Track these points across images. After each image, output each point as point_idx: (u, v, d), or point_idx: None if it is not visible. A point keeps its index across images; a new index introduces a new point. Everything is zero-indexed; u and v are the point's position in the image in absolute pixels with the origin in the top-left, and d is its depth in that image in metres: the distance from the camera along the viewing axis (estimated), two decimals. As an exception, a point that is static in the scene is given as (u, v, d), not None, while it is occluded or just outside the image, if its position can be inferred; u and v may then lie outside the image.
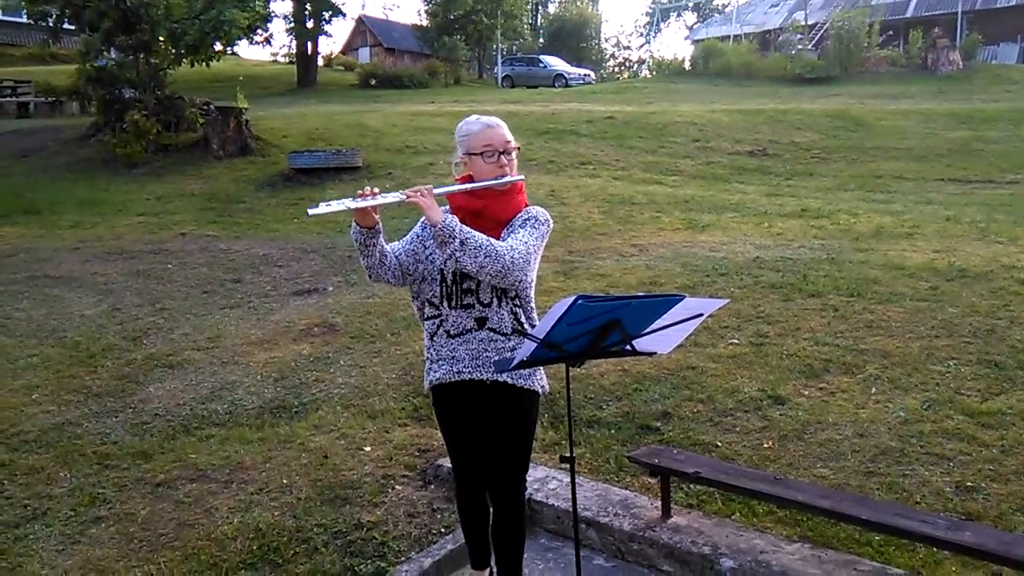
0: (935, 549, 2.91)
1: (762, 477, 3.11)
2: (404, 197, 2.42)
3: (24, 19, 17.30)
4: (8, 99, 21.56)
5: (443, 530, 3.40)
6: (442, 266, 2.62)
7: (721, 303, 2.27)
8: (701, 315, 2.10)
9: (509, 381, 2.59)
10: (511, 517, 2.78)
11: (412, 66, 36.31)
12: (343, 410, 4.70)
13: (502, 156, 2.60)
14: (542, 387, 2.71)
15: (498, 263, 2.40)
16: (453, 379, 2.62)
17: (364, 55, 47.80)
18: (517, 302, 2.59)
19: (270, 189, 12.53)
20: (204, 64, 15.45)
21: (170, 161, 14.34)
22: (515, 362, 2.13)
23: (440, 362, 2.65)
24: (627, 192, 11.29)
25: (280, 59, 39.27)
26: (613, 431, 4.29)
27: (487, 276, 2.44)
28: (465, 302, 2.60)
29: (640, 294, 2.38)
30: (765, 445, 4.00)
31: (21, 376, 5.51)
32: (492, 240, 2.45)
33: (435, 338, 2.67)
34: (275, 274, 8.13)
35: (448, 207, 2.64)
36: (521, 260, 2.47)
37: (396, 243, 2.69)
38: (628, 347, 2.13)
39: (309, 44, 31.79)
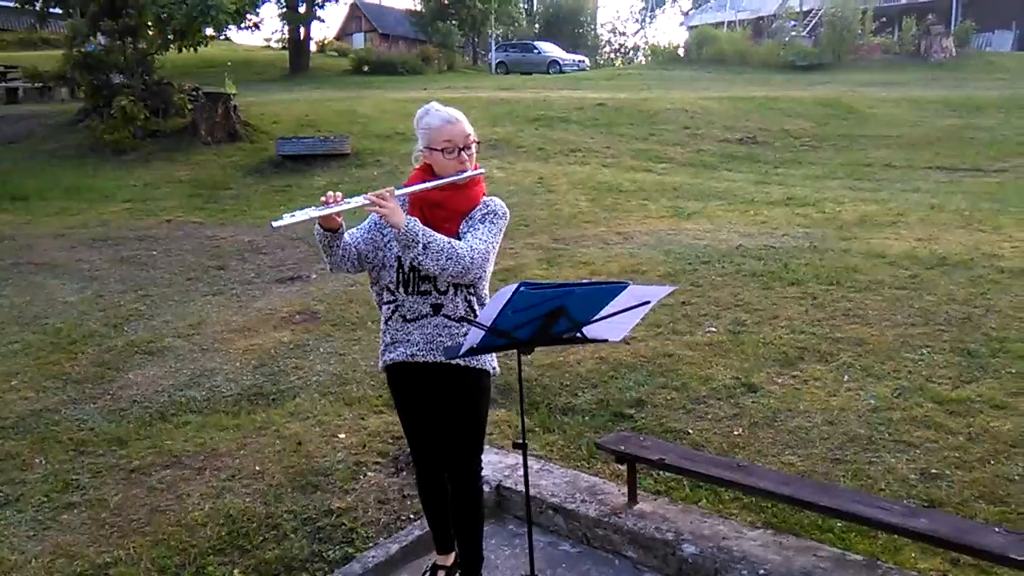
0: (895, 536, 2.94)
1: (725, 464, 3.14)
2: (367, 202, 2.42)
3: (13, 3, 17.14)
4: (-3, 84, 21.43)
5: (412, 516, 3.43)
6: (399, 254, 2.63)
7: (668, 289, 2.28)
8: (649, 302, 2.12)
9: (461, 363, 2.62)
10: (467, 496, 2.81)
11: (407, 52, 36.11)
12: (320, 397, 4.72)
13: (462, 152, 2.60)
14: (493, 367, 2.74)
15: (459, 264, 2.44)
16: (407, 360, 2.66)
17: (358, 40, 47.56)
18: (471, 290, 2.62)
19: (258, 176, 12.50)
20: (192, 49, 15.36)
21: (158, 147, 14.28)
22: (464, 348, 2.14)
23: (395, 344, 2.69)
24: (615, 180, 11.29)
25: (273, 45, 39.03)
26: (587, 418, 4.32)
27: (448, 276, 2.48)
28: (422, 289, 2.62)
29: (584, 281, 2.38)
30: (735, 432, 4.03)
31: (2, 363, 5.52)
32: (453, 242, 2.47)
33: (390, 322, 2.70)
34: (259, 261, 8.13)
35: (406, 198, 2.64)
36: (480, 259, 2.50)
37: (354, 230, 2.70)
38: (579, 335, 2.14)
39: (302, 29, 31.60)
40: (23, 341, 5.91)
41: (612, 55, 57.62)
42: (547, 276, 6.76)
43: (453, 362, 2.60)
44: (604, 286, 2.04)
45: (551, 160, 12.79)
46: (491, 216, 2.63)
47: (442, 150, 2.59)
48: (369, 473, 3.81)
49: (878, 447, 3.78)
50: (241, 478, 3.80)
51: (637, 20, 60.89)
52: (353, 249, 2.64)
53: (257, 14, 18.89)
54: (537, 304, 1.96)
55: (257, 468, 3.88)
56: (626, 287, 2.02)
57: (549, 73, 31.08)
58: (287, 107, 16.86)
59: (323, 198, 2.45)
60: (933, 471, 3.55)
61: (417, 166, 2.72)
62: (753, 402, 4.33)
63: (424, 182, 2.59)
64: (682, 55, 31.53)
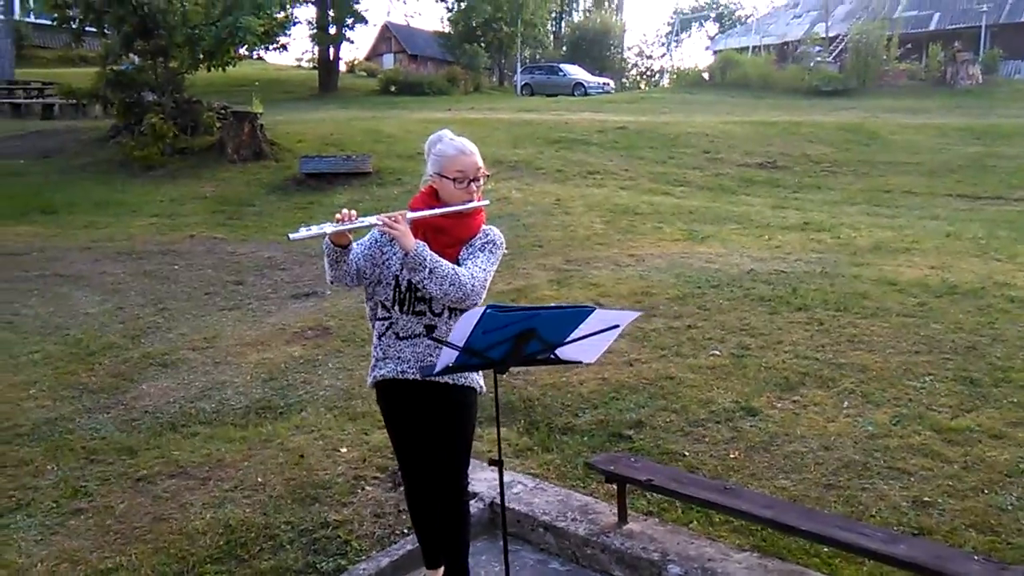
0: (881, 563, 2.96)
1: (712, 486, 3.18)
2: (380, 223, 2.51)
3: (52, 21, 17.73)
4: (35, 100, 22.06)
5: (406, 531, 3.49)
6: (397, 272, 2.73)
7: (634, 315, 2.35)
8: (618, 326, 2.19)
9: (449, 380, 2.71)
10: (453, 512, 2.87)
11: (434, 72, 36.60)
12: (326, 411, 4.82)
13: (472, 183, 2.68)
14: (479, 385, 2.81)
15: (460, 291, 2.54)
16: (397, 376, 2.74)
17: (388, 61, 48.25)
18: None
19: (280, 193, 12.73)
20: (220, 69, 15.72)
21: (186, 164, 14.60)
22: (439, 367, 2.23)
23: (386, 360, 2.77)
24: (632, 202, 11.35)
25: (304, 64, 39.78)
26: (586, 438, 4.37)
27: (448, 300, 2.60)
28: (417, 309, 2.71)
29: (552, 305, 2.46)
30: (731, 456, 4.06)
31: (22, 371, 5.69)
32: (457, 269, 2.57)
33: (383, 338, 2.78)
34: (277, 277, 8.28)
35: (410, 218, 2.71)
36: (480, 287, 2.60)
37: (355, 245, 2.75)
38: (552, 355, 2.22)
39: (331, 50, 32.18)
40: (44, 351, 6.09)
41: (638, 78, 57.85)
42: (557, 297, 6.83)
43: (440, 380, 2.68)
44: (570, 310, 2.12)
45: (569, 182, 12.89)
46: (490, 245, 2.72)
47: (453, 179, 2.66)
48: (367, 487, 3.89)
49: (872, 474, 3.79)
50: (243, 489, 3.89)
51: (663, 44, 61.12)
52: (353, 265, 2.72)
53: (287, 35, 19.30)
54: (506, 325, 2.04)
55: (259, 480, 3.98)
56: (593, 311, 2.10)
57: (574, 95, 31.30)
58: (313, 126, 17.16)
59: (338, 215, 2.55)
60: (925, 499, 3.56)
61: (423, 188, 2.80)
62: (751, 426, 4.36)
63: (430, 207, 2.68)
64: (706, 79, 31.58)
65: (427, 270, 2.50)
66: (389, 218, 2.51)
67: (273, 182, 13.35)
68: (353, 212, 2.56)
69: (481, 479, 3.76)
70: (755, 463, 3.97)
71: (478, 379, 2.79)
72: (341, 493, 3.82)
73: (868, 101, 22.94)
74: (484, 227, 2.77)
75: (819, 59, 28.13)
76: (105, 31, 15.46)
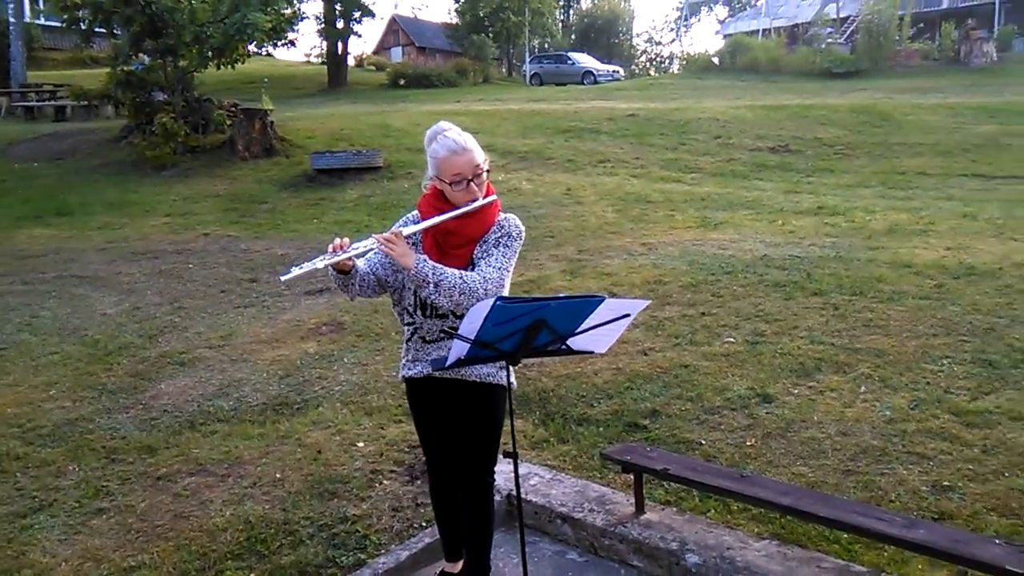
0: (901, 548, 2.94)
1: (727, 474, 3.17)
2: (376, 245, 2.47)
3: (61, 23, 17.83)
4: (47, 103, 22.21)
5: (424, 524, 3.51)
6: None
7: (644, 304, 2.33)
8: (629, 315, 2.18)
9: (478, 378, 2.70)
10: (478, 506, 2.88)
11: (443, 65, 36.53)
12: (342, 407, 4.84)
13: (471, 183, 2.57)
14: (509, 382, 2.78)
15: (473, 298, 2.45)
16: (426, 375, 2.73)
17: (396, 54, 48.25)
18: None
19: (292, 190, 12.77)
20: (230, 66, 15.75)
21: (198, 163, 14.67)
22: (450, 360, 2.23)
23: (415, 362, 2.77)
24: (643, 190, 11.31)
25: (313, 60, 39.81)
26: (601, 429, 4.37)
27: (462, 309, 2.47)
28: (440, 313, 2.68)
29: (560, 295, 2.45)
30: (748, 443, 4.04)
31: (41, 373, 5.76)
32: (465, 275, 2.49)
33: (410, 342, 2.79)
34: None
35: (419, 234, 2.65)
36: (495, 288, 2.51)
37: (372, 254, 2.71)
38: (564, 346, 2.22)
39: (339, 45, 32.18)
40: (63, 352, 6.15)
41: (647, 65, 57.54)
42: (570, 287, 6.82)
43: (468, 378, 2.68)
44: (579, 300, 2.11)
45: (579, 171, 12.85)
46: (505, 239, 2.64)
47: (451, 183, 2.57)
48: (385, 481, 3.91)
49: (891, 459, 3.77)
50: (262, 485, 3.92)
51: (672, 29, 60.72)
52: (371, 276, 2.69)
53: (294, 31, 19.31)
54: (516, 317, 2.04)
55: (278, 476, 4.01)
56: (602, 301, 2.09)
57: (583, 84, 31.19)
58: (323, 121, 17.18)
59: (331, 246, 2.50)
60: (945, 483, 3.53)
61: (426, 190, 2.73)
62: (767, 413, 4.34)
63: (436, 211, 2.60)
64: (716, 64, 31.35)
65: (431, 284, 2.44)
66: (384, 239, 2.46)
67: (284, 179, 13.40)
68: (346, 240, 2.50)
69: (497, 471, 3.74)
70: (772, 450, 3.96)
71: (507, 376, 2.74)
72: (359, 487, 3.84)
73: (880, 82, 22.70)
74: (499, 218, 2.67)
75: (830, 41, 27.84)
76: (114, 31, 15.53)
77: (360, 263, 2.68)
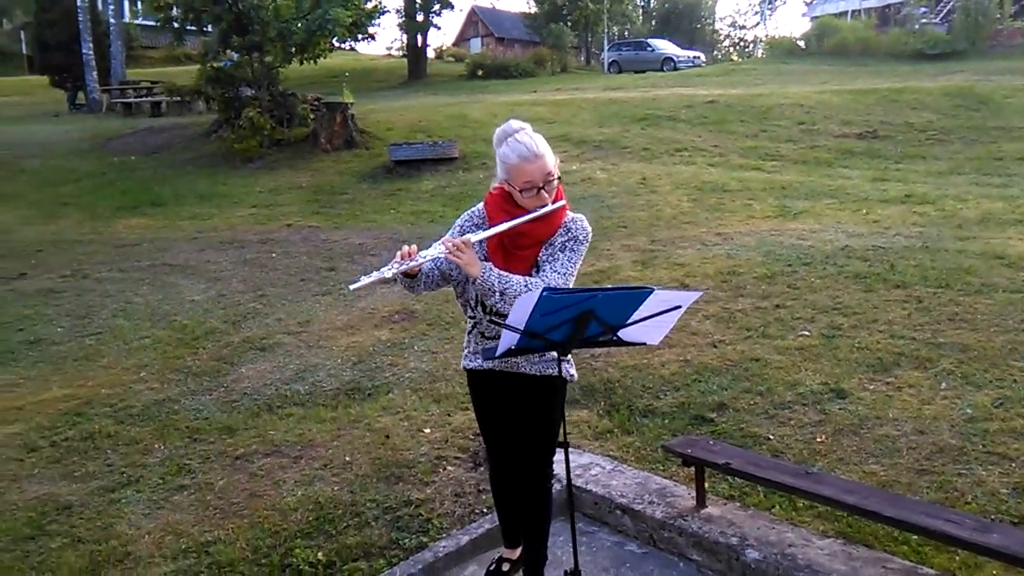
0: (972, 552, 2.83)
1: (791, 470, 3.11)
2: (444, 252, 2.47)
3: (156, 22, 18.72)
4: (144, 99, 23.32)
5: (485, 510, 3.57)
6: None
7: (696, 295, 2.30)
8: (680, 307, 2.16)
9: (538, 371, 2.72)
10: (536, 496, 2.91)
11: (522, 55, 36.57)
12: (411, 393, 4.95)
13: (542, 190, 2.55)
14: (570, 375, 2.79)
15: None
16: (486, 367, 2.76)
17: (475, 45, 48.57)
18: None
19: (371, 181, 13.04)
20: (312, 61, 16.17)
21: (283, 155, 15.14)
22: (500, 350, 2.25)
23: (476, 356, 2.81)
24: (721, 179, 11.08)
25: (394, 53, 40.49)
26: (666, 421, 4.34)
27: None
28: (499, 311, 2.70)
29: (608, 287, 2.44)
30: (818, 440, 3.94)
31: (133, 356, 6.09)
32: (530, 282, 2.49)
33: (471, 334, 2.84)
34: (368, 263, 8.50)
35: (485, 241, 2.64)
36: None
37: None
38: (615, 337, 2.22)
39: (419, 37, 32.61)
40: (153, 336, 6.48)
41: (730, 49, 56.19)
42: (641, 278, 6.76)
43: (528, 372, 2.70)
44: (627, 291, 2.10)
45: (655, 160, 12.68)
46: (572, 243, 2.62)
47: (521, 190, 2.56)
48: (449, 467, 3.99)
49: (969, 459, 3.61)
50: (332, 467, 4.06)
51: (757, 12, 59.03)
52: (436, 271, 2.72)
53: (375, 25, 19.68)
54: (564, 308, 2.05)
55: (347, 459, 4.13)
56: (651, 292, 2.08)
57: (663, 71, 30.67)
58: (402, 114, 17.47)
59: (399, 253, 2.51)
60: (1028, 486, 3.37)
61: (493, 190, 2.71)
62: (840, 409, 4.22)
63: (503, 212, 2.60)
64: (802, 47, 30.35)
65: (497, 293, 2.46)
66: (453, 245, 2.46)
67: (364, 170, 13.69)
68: (414, 247, 2.51)
69: (557, 460, 3.78)
70: (843, 447, 3.85)
71: (570, 369, 2.74)
72: (424, 472, 3.93)
73: (978, 63, 21.52)
74: (567, 219, 2.64)
75: (924, 20, 26.58)
76: (204, 29, 16.16)
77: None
